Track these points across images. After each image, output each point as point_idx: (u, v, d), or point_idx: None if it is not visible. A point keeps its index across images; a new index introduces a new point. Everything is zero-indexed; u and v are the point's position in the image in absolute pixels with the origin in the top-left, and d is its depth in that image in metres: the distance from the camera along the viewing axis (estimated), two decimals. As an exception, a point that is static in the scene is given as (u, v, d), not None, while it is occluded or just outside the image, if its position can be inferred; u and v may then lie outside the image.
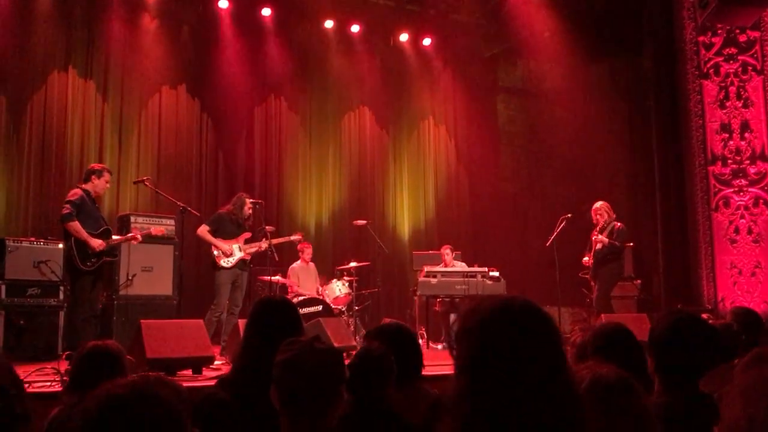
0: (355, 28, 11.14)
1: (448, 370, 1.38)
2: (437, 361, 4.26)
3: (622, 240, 8.02)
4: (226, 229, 7.53)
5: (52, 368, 4.86)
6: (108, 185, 6.96)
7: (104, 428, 1.31)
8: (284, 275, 8.86)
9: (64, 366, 5.02)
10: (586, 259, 8.17)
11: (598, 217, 8.18)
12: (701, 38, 8.78)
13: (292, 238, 8.11)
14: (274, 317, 2.71)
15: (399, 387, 2.81)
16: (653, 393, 2.55)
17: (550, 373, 1.28)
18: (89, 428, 1.32)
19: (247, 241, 7.62)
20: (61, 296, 7.03)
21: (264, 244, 7.65)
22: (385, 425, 2.58)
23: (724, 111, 8.64)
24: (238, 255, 7.45)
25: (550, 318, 1.37)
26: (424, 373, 3.10)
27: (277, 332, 2.48)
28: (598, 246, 7.97)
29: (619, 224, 8.08)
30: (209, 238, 7.42)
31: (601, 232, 8.11)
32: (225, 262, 7.37)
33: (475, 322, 1.34)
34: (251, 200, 7.79)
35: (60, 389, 4.24)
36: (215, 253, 7.39)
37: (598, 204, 8.27)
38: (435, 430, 1.38)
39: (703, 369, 2.35)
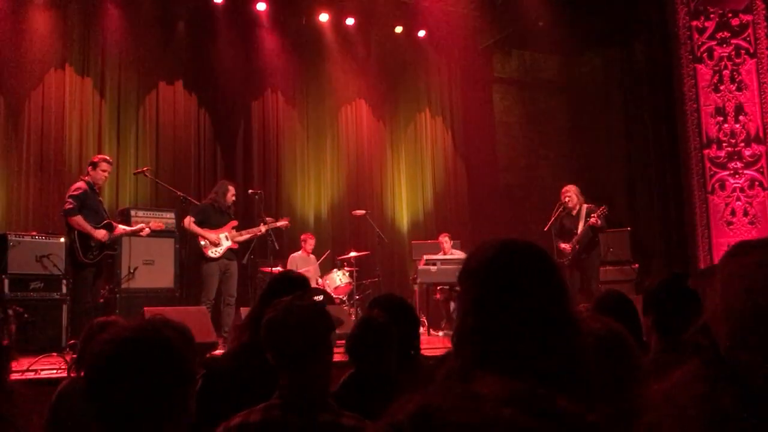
0: (349, 21, 11.17)
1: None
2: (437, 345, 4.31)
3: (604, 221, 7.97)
4: (212, 219, 7.53)
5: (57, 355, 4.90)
6: (106, 174, 6.95)
7: (111, 368, 1.36)
8: (285, 265, 8.91)
9: (69, 357, 5.08)
10: (565, 245, 8.02)
11: (566, 199, 8.10)
12: (694, 22, 8.83)
13: (279, 224, 8.06)
14: (287, 290, 2.78)
15: (398, 356, 2.87)
16: (649, 352, 2.60)
17: (552, 313, 1.29)
18: (97, 368, 1.37)
19: (235, 229, 7.63)
20: (64, 290, 7.08)
21: (262, 228, 7.69)
22: (385, 392, 2.64)
23: (719, 94, 8.69)
24: (225, 244, 7.46)
25: (552, 259, 1.38)
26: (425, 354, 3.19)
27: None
28: (584, 230, 7.88)
29: (591, 205, 8.03)
30: (195, 228, 7.40)
31: (568, 213, 8.07)
32: (212, 252, 7.39)
33: (477, 264, 1.36)
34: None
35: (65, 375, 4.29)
36: (202, 243, 7.40)
37: (567, 186, 8.22)
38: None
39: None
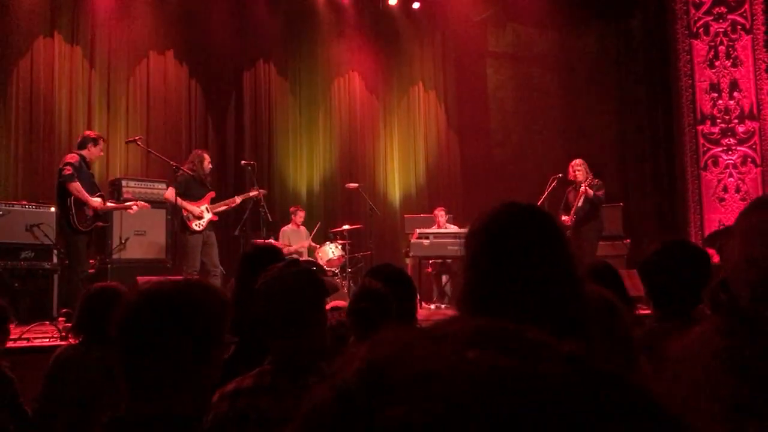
0: (344, -8, 11.04)
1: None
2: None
3: (602, 192, 7.98)
4: (193, 191, 7.43)
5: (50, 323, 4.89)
6: (102, 153, 7.02)
7: (144, 317, 1.39)
8: (276, 238, 8.89)
9: (61, 325, 5.06)
10: (565, 218, 8.11)
11: (576, 173, 8.08)
12: (690, -3, 8.79)
13: (252, 194, 7.99)
14: (262, 258, 2.80)
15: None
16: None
17: (548, 270, 1.28)
18: (131, 317, 1.40)
19: (213, 201, 7.57)
20: (55, 259, 7.03)
21: (237, 200, 7.66)
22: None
23: (714, 70, 8.67)
24: (207, 216, 7.41)
25: (553, 219, 1.39)
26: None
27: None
28: (580, 202, 7.93)
29: (597, 180, 8.05)
30: (180, 202, 7.30)
31: (578, 188, 8.10)
32: (196, 225, 7.33)
33: (477, 224, 1.40)
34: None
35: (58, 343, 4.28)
36: (186, 215, 7.32)
37: (576, 161, 8.19)
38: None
39: (694, 290, 2.36)
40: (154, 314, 1.38)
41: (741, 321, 1.00)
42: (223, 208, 7.65)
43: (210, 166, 7.63)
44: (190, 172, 7.38)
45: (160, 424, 1.36)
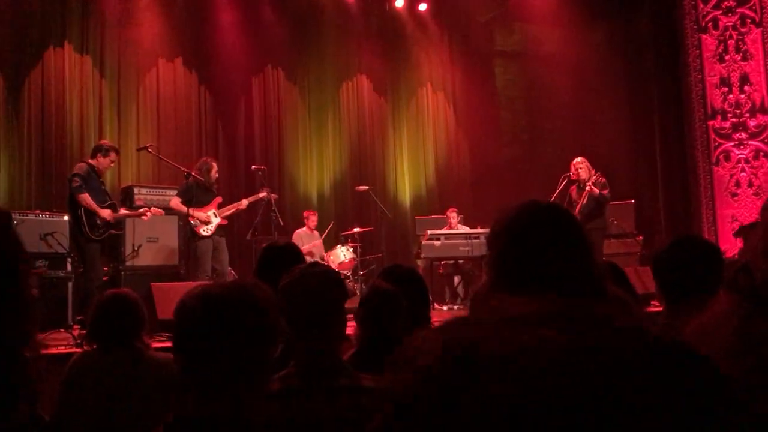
0: (350, -5, 11.07)
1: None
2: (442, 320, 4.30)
3: (607, 191, 7.86)
4: (199, 198, 7.40)
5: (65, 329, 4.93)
6: (112, 165, 6.95)
7: (202, 319, 1.42)
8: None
9: (77, 332, 5.11)
10: None
11: (579, 171, 7.93)
12: (699, -8, 8.75)
13: (260, 195, 7.99)
14: (280, 259, 2.81)
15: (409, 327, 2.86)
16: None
17: (572, 267, 1.29)
18: (188, 317, 1.44)
19: (220, 206, 7.58)
20: (69, 268, 7.08)
21: (245, 202, 7.66)
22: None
23: (723, 65, 8.63)
24: (215, 221, 7.41)
25: (573, 216, 1.39)
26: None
27: (282, 270, 2.57)
28: (585, 200, 7.80)
29: (601, 178, 7.92)
30: (183, 209, 7.30)
31: (581, 187, 7.97)
32: (204, 231, 7.31)
33: (499, 224, 1.38)
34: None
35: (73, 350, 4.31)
36: (193, 223, 7.32)
37: (578, 159, 8.05)
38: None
39: (706, 285, 2.31)
40: (212, 316, 1.40)
41: (756, 302, 1.02)
42: (231, 211, 7.67)
43: (217, 174, 7.62)
44: (200, 178, 7.40)
45: (222, 424, 1.39)
